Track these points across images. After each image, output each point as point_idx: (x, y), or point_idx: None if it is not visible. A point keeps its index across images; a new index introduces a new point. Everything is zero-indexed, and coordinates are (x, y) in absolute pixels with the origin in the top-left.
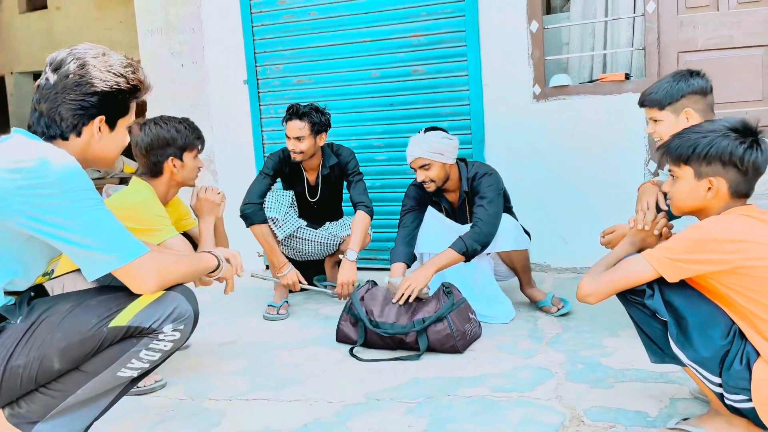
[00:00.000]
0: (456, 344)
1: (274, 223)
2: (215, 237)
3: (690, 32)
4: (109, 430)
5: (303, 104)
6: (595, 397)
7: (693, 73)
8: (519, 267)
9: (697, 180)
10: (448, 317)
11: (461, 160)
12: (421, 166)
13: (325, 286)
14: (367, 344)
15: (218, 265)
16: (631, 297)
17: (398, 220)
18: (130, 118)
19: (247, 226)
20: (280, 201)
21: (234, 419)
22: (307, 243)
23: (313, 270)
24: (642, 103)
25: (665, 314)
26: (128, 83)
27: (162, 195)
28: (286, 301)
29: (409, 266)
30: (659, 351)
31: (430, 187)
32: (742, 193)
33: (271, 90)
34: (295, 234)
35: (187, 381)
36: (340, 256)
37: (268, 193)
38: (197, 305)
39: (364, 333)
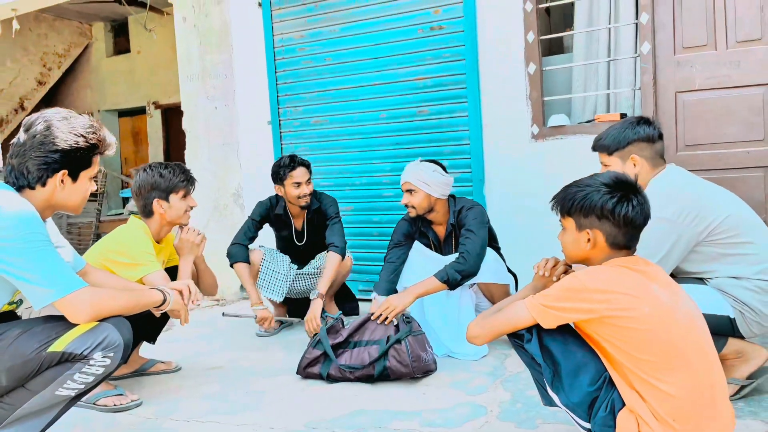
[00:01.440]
0: (410, 366)
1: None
2: (198, 273)
3: (687, 72)
4: None
5: (288, 156)
6: None
7: (641, 121)
8: (497, 302)
9: (578, 231)
10: (406, 340)
11: (452, 196)
12: (408, 190)
13: (324, 317)
14: (330, 378)
15: (164, 300)
16: (513, 341)
17: (384, 254)
18: (93, 170)
19: (231, 264)
20: (278, 280)
21: None
22: (299, 281)
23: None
24: (593, 148)
25: (540, 359)
26: (87, 142)
27: (155, 233)
28: (280, 321)
29: None
30: (545, 393)
31: (411, 212)
32: (621, 245)
33: (291, 130)
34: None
35: (160, 401)
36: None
37: (266, 270)
38: (130, 335)
39: (327, 367)
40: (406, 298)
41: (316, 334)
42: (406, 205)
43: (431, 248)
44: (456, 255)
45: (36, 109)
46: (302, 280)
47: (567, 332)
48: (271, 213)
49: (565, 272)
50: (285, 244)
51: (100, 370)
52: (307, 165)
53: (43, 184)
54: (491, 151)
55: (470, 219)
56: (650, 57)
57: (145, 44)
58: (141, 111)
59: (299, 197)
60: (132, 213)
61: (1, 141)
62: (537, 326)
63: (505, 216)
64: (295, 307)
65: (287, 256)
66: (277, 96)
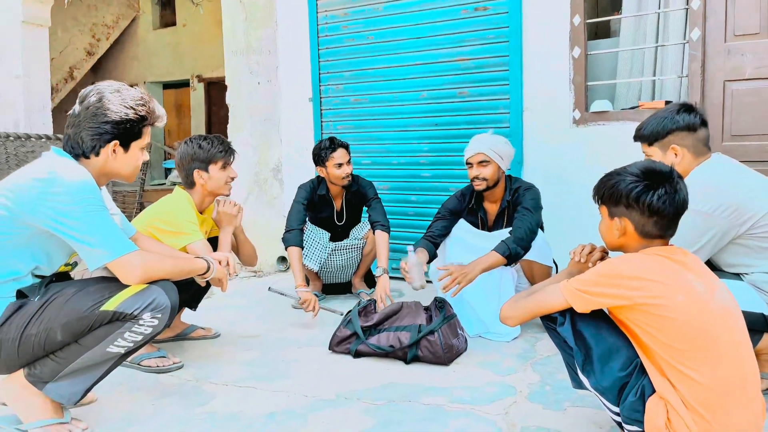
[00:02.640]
0: (443, 356)
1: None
2: (238, 244)
3: (738, 60)
4: (119, 397)
5: (329, 137)
6: (540, 418)
7: (682, 109)
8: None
9: (609, 219)
10: (439, 330)
11: (507, 175)
12: (480, 162)
13: (358, 293)
14: (358, 355)
15: (208, 268)
16: (546, 323)
17: (429, 224)
18: (143, 141)
19: (285, 248)
20: (317, 249)
21: (220, 402)
22: (336, 255)
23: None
24: (635, 138)
25: (572, 342)
26: (137, 114)
27: (198, 203)
28: (315, 294)
29: (429, 261)
30: (576, 376)
31: (480, 185)
32: (653, 234)
33: (331, 108)
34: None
35: (200, 365)
36: (375, 274)
37: (307, 240)
38: (176, 298)
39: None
40: (475, 270)
41: (348, 312)
42: (475, 178)
43: (479, 226)
44: (505, 231)
45: (84, 78)
46: (339, 253)
47: (600, 317)
48: (314, 195)
49: (601, 259)
50: (324, 225)
51: (149, 329)
52: (346, 146)
53: (97, 154)
54: (531, 135)
55: (528, 198)
56: (699, 44)
57: (190, 17)
58: (185, 84)
59: (342, 177)
60: (174, 183)
61: (52, 108)
62: (570, 310)
63: (544, 202)
64: (327, 287)
65: (327, 233)
66: (319, 73)
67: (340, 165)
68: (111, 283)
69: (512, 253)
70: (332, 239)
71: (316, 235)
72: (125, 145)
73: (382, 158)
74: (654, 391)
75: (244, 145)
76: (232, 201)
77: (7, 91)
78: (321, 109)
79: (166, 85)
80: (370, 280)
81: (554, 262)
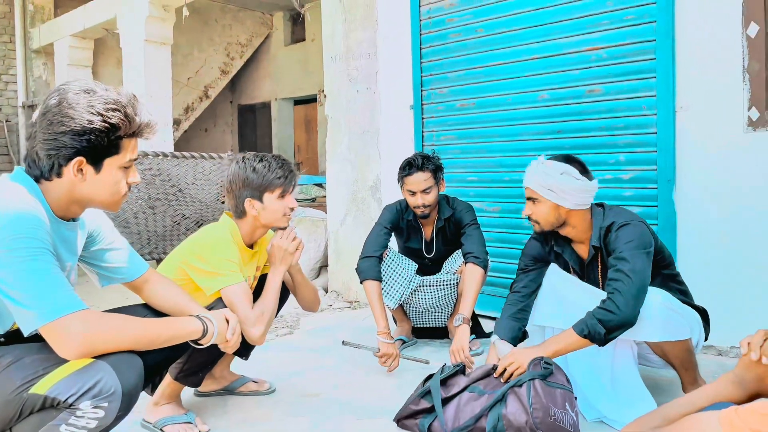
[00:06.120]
0: (531, 416)
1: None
2: (295, 286)
3: None
4: None
5: (416, 156)
6: None
7: None
8: (675, 363)
9: None
10: (530, 383)
11: (599, 205)
12: (529, 198)
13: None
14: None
15: (205, 332)
16: None
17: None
18: (123, 157)
19: (361, 282)
20: (398, 283)
21: None
22: (418, 293)
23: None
24: None
25: None
26: (105, 122)
27: (247, 236)
28: (403, 339)
29: (514, 345)
30: None
31: (535, 228)
32: None
33: (434, 116)
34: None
35: None
36: (455, 323)
37: (387, 269)
38: (133, 379)
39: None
40: (537, 355)
41: (426, 380)
42: (528, 218)
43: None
44: (603, 293)
45: (219, 96)
46: (426, 291)
47: None
48: (401, 219)
49: None
50: (411, 257)
51: (92, 423)
52: (431, 169)
53: (59, 174)
54: (686, 142)
55: (622, 242)
56: None
57: (318, 32)
58: (313, 99)
59: (415, 207)
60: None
61: (186, 128)
62: None
63: (703, 233)
64: (418, 330)
65: (415, 264)
66: (421, 76)
67: (413, 193)
68: (51, 353)
69: (592, 334)
70: (420, 273)
71: (399, 265)
72: (95, 163)
73: (492, 173)
74: None
75: (342, 161)
76: (293, 233)
77: None
78: (422, 118)
79: (297, 101)
80: (474, 324)
81: (699, 309)
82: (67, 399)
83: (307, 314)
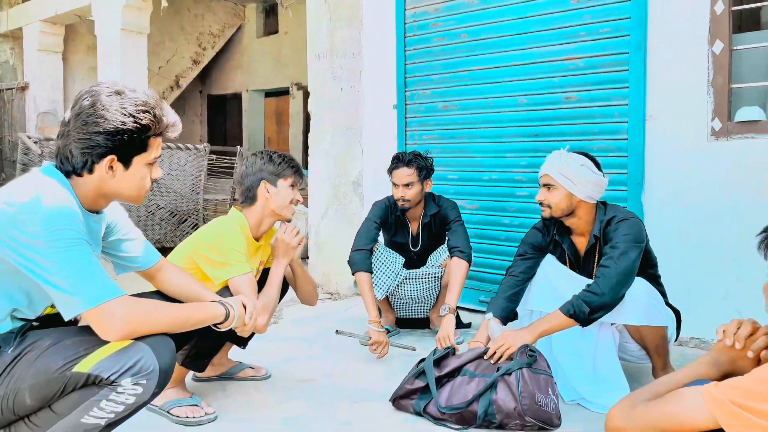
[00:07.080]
0: (519, 403)
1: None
2: (296, 279)
3: None
4: None
5: (406, 152)
6: None
7: None
8: (650, 347)
9: None
10: (518, 372)
11: (602, 203)
12: (545, 185)
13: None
14: (424, 413)
15: (227, 316)
16: None
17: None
18: (150, 155)
19: (352, 273)
20: (385, 275)
21: None
22: (405, 285)
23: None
24: None
25: None
26: (137, 123)
27: (255, 225)
28: (387, 329)
29: (504, 324)
30: None
31: (545, 212)
32: None
33: (416, 116)
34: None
35: (236, 418)
36: (441, 312)
37: (376, 262)
38: (169, 358)
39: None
40: (527, 336)
41: (420, 362)
42: (541, 203)
43: (566, 263)
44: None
45: (190, 86)
46: (412, 283)
47: None
48: (389, 214)
49: None
50: (397, 251)
51: (131, 399)
52: (414, 165)
53: (90, 171)
54: (655, 149)
55: (620, 234)
56: None
57: (292, 25)
58: (285, 92)
59: (396, 198)
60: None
61: None
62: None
63: (667, 233)
64: (401, 321)
65: (402, 258)
66: (405, 77)
67: (396, 185)
68: (91, 335)
69: (577, 313)
70: (406, 266)
71: (387, 258)
72: (125, 161)
73: (472, 173)
74: None
75: (325, 156)
76: (296, 229)
77: None
78: (405, 117)
79: (268, 93)
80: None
81: (673, 309)
82: (109, 376)
83: (289, 305)
